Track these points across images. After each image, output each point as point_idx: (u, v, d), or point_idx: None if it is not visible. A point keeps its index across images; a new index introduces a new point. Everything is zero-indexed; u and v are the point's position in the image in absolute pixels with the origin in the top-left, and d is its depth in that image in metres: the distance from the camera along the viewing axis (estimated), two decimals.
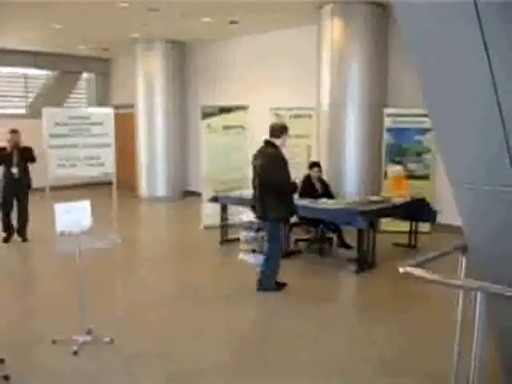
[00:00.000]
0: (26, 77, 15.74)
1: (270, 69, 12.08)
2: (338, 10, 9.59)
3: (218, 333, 5.24)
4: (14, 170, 8.67)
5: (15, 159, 8.67)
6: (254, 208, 6.42)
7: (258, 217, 6.37)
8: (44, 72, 15.98)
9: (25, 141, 8.93)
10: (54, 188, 8.51)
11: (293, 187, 6.26)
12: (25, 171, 8.86)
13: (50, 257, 7.74)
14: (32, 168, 8.94)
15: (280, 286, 6.42)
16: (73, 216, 4.68)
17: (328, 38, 9.78)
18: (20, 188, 8.86)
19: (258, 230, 6.66)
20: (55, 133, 8.49)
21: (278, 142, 6.18)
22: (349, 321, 5.65)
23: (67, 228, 4.65)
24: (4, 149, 8.73)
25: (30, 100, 15.80)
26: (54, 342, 4.87)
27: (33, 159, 8.85)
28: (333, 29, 9.68)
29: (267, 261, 6.35)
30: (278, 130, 6.20)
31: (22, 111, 15.50)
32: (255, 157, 6.32)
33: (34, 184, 9.02)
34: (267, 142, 6.22)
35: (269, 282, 6.36)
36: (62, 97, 16.18)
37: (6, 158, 8.67)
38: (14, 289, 6.85)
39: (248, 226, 6.81)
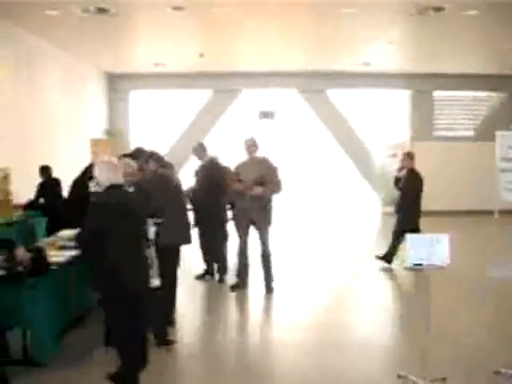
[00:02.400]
0: (474, 99, 16.01)
1: None
2: None
3: None
4: None
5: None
6: None
7: None
8: (492, 94, 15.99)
9: (471, 163, 8.79)
10: (501, 212, 8.34)
11: None
12: None
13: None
14: (477, 190, 8.75)
15: None
16: None
17: None
18: None
19: None
20: (507, 156, 8.32)
21: None
22: None
23: None
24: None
25: (478, 123, 15.97)
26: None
27: None
28: None
29: None
30: None
31: (470, 134, 15.78)
32: None
33: (481, 207, 8.88)
34: None
35: None
36: (509, 119, 15.79)
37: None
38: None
39: None
